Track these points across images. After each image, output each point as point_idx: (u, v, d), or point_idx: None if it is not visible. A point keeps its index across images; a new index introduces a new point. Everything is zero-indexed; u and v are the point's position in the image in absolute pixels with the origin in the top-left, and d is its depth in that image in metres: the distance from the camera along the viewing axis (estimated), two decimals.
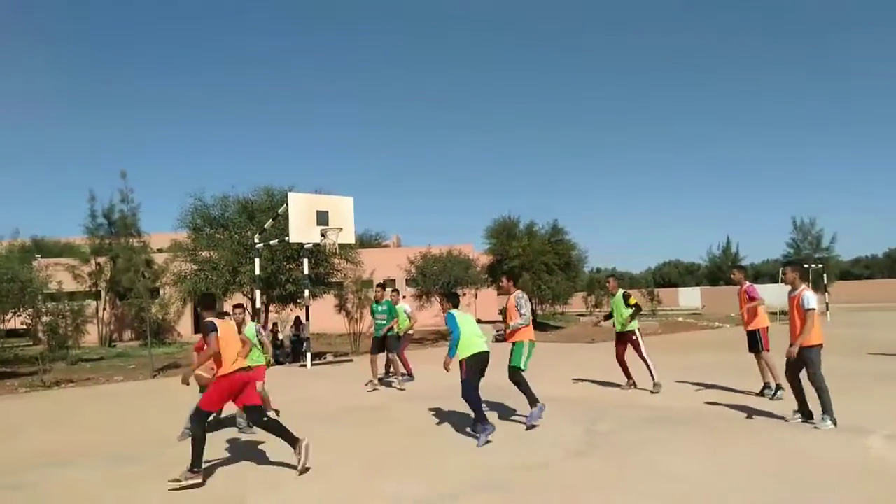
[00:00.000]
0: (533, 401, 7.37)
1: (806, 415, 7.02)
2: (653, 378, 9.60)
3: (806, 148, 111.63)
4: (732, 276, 9.52)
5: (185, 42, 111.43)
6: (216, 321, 5.84)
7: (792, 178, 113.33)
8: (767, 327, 9.03)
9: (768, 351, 8.87)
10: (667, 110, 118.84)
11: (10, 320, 23.89)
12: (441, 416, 8.47)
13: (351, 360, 17.06)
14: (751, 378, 9.87)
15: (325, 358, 17.85)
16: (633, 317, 9.69)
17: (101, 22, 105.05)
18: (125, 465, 6.36)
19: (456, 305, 7.74)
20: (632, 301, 9.71)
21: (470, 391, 6.99)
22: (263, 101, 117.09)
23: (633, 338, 9.73)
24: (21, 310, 18.88)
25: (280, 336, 18.98)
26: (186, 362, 18.04)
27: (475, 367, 7.09)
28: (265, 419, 5.98)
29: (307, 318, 16.47)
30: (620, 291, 9.89)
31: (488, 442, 6.70)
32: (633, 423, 7.44)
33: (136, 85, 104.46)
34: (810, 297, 6.92)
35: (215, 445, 7.16)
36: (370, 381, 11.14)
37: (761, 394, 8.86)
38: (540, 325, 29.51)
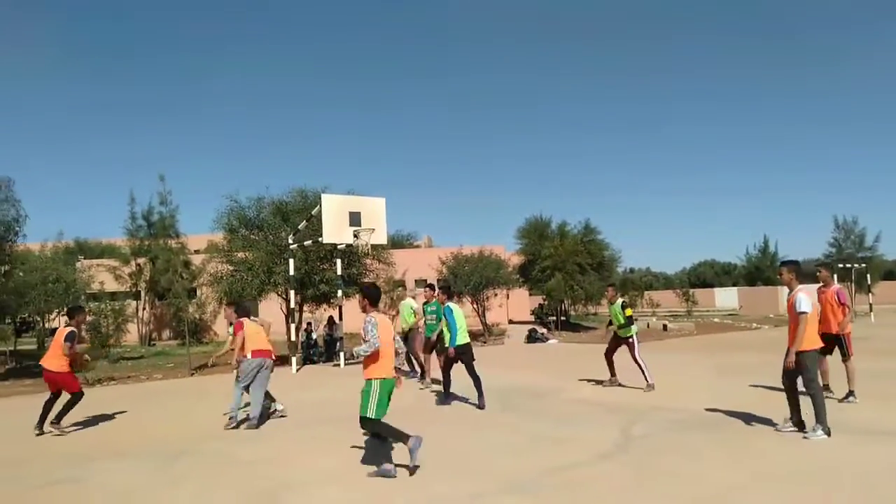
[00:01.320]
0: (386, 456, 5.89)
1: (798, 425, 6.68)
2: (646, 379, 10.06)
3: (848, 146, 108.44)
4: (819, 273, 9.14)
5: (221, 47, 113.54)
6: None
7: (833, 175, 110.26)
8: (850, 332, 8.74)
9: (852, 356, 8.59)
10: (701, 109, 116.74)
11: (54, 319, 24.68)
12: (471, 416, 8.46)
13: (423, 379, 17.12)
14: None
15: (357, 358, 17.98)
16: (626, 326, 10.33)
17: (133, 27, 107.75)
18: (166, 460, 6.52)
19: (451, 298, 9.77)
20: (628, 312, 10.40)
21: (446, 370, 9.55)
22: (298, 104, 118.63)
23: (630, 341, 10.29)
24: (65, 309, 19.48)
25: (314, 335, 19.21)
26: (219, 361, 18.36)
27: (457, 352, 9.18)
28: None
29: (340, 318, 16.62)
30: (619, 301, 10.53)
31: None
32: (670, 426, 7.32)
33: (175, 90, 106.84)
34: (803, 300, 6.53)
35: (251, 444, 7.28)
36: (422, 378, 11.66)
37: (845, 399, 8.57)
38: (572, 326, 29.30)
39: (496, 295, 25.25)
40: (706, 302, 46.93)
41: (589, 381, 11.26)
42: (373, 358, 5.82)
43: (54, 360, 8.24)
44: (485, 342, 22.83)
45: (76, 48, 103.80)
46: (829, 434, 6.39)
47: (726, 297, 47.76)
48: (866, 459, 5.62)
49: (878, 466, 5.38)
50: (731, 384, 10.34)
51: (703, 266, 76.92)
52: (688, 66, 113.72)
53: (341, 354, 15.97)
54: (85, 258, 32.86)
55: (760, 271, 50.93)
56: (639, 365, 10.16)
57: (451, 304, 9.50)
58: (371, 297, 6.10)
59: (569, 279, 26.35)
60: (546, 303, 30.73)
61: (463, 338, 9.24)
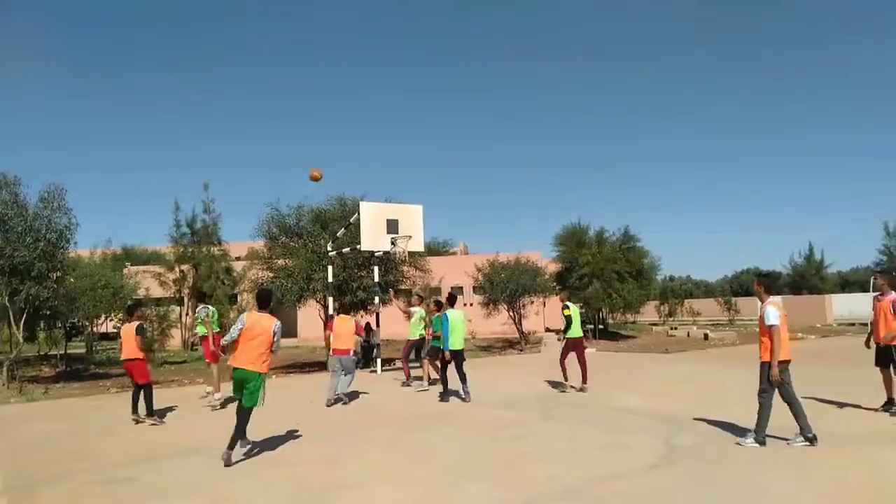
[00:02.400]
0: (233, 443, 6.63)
1: (809, 439, 6.57)
2: (565, 380, 11.30)
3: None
4: (874, 279, 8.93)
5: (262, 56, 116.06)
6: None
7: (883, 181, 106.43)
8: None
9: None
10: (743, 113, 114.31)
11: (102, 324, 25.46)
12: (512, 423, 8.44)
13: (420, 367, 17.19)
14: (840, 393, 9.37)
15: (395, 364, 18.08)
16: (567, 326, 11.18)
17: (180, 35, 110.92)
18: (217, 460, 6.61)
19: (453, 305, 10.78)
20: (566, 313, 11.22)
21: (441, 371, 10.68)
22: (336, 113, 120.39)
23: (563, 343, 11.42)
24: (113, 314, 20.08)
25: None
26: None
27: (449, 355, 10.37)
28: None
29: (377, 325, 16.76)
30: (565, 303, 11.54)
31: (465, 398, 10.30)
32: (714, 437, 7.18)
33: (220, 98, 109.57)
34: (771, 313, 6.68)
35: (300, 445, 7.40)
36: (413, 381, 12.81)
37: (885, 409, 8.31)
38: (610, 335, 28.91)
39: (532, 303, 25.10)
40: (749, 311, 45.54)
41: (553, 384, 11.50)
42: (232, 348, 6.82)
43: (129, 350, 9.33)
44: (521, 350, 22.71)
45: (117, 55, 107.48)
46: (762, 444, 6.53)
47: None
48: None
49: None
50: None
51: (746, 274, 74.98)
52: (725, 72, 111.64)
53: (378, 360, 16.09)
54: (132, 265, 33.86)
55: (805, 280, 49.44)
56: (562, 369, 11.20)
57: (448, 312, 10.51)
58: (257, 299, 7.24)
59: (607, 287, 26.04)
60: (583, 311, 30.42)
61: (456, 344, 10.36)
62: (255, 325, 6.77)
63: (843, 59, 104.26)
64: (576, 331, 11.19)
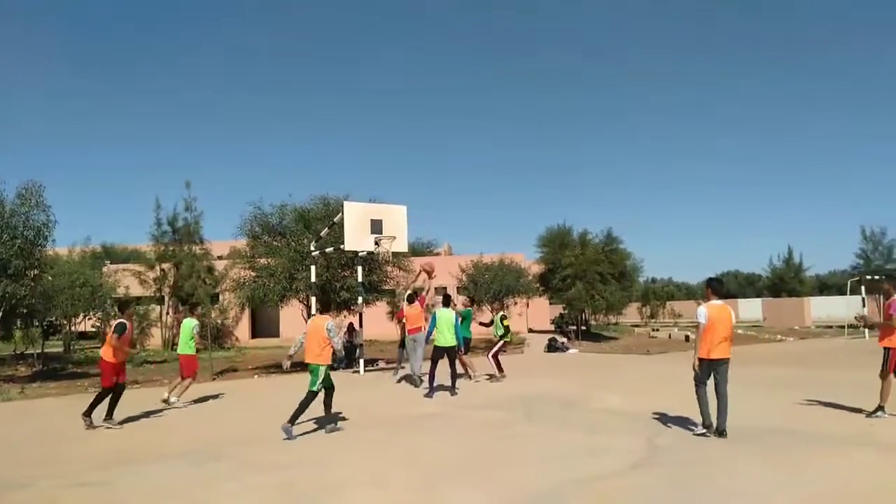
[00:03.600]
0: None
1: (707, 427, 7.21)
2: (498, 373, 13.33)
3: (876, 154, 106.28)
4: (883, 285, 9.12)
5: (245, 56, 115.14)
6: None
7: (861, 185, 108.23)
8: None
9: (892, 373, 8.15)
10: (724, 115, 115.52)
11: (81, 323, 25.10)
12: (497, 425, 8.44)
13: (403, 367, 17.16)
14: (819, 394, 9.49)
15: (377, 364, 18.03)
16: (505, 333, 13.83)
17: (157, 33, 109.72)
18: (199, 464, 6.57)
19: (447, 305, 11.73)
20: (505, 323, 13.86)
21: (430, 366, 11.27)
22: (322, 113, 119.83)
23: (497, 341, 13.71)
24: (91, 313, 19.80)
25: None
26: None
27: (437, 352, 11.30)
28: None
29: (360, 325, 16.69)
30: (500, 314, 14.12)
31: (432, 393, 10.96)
32: (695, 437, 7.23)
33: (202, 97, 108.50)
34: (699, 312, 7.30)
35: (284, 448, 7.33)
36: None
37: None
38: (593, 336, 29.09)
39: (516, 303, 25.16)
40: None
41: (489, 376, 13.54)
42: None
43: (105, 349, 9.10)
44: (504, 350, 22.73)
45: (99, 54, 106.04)
46: (708, 428, 7.11)
47: (750, 309, 46.96)
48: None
49: None
50: (756, 397, 10.17)
51: (727, 276, 75.93)
52: (707, 75, 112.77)
53: (361, 361, 16.03)
54: (111, 263, 33.41)
55: (784, 282, 50.16)
56: (490, 361, 13.33)
57: (437, 311, 11.49)
58: (318, 303, 8.56)
59: (590, 288, 26.19)
60: (566, 312, 30.57)
61: (442, 341, 11.21)
62: (314, 325, 8.15)
63: (825, 65, 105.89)
64: (507, 337, 13.92)
